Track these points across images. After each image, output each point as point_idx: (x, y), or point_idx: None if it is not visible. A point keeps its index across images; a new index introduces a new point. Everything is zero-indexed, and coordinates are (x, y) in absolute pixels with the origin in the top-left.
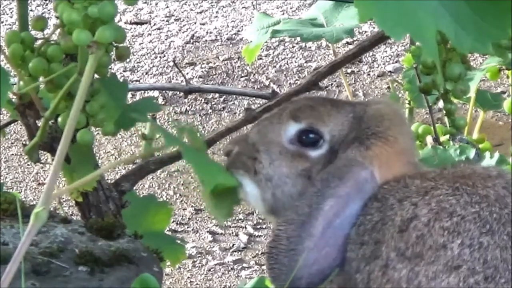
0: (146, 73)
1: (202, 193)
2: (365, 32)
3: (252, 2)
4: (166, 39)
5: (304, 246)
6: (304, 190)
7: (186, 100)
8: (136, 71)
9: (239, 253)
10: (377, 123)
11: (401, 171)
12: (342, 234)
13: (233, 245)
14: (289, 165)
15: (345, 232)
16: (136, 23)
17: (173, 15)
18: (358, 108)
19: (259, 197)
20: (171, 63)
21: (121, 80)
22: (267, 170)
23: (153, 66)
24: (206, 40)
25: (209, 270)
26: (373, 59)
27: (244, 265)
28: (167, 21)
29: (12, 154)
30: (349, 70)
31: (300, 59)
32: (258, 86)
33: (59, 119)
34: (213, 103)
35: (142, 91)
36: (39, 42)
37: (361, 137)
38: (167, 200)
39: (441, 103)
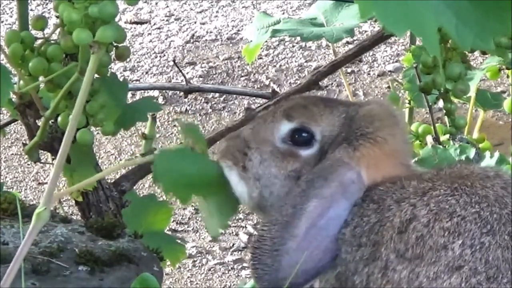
0: (146, 72)
1: (199, 203)
2: (365, 31)
3: (252, 2)
4: (166, 39)
5: (287, 247)
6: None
7: (186, 100)
8: (136, 70)
9: (239, 252)
10: (367, 124)
11: (391, 172)
12: (327, 234)
13: (233, 244)
14: (279, 166)
15: (330, 233)
16: (136, 23)
17: (173, 15)
18: (351, 109)
19: (246, 194)
20: (171, 63)
21: (121, 80)
22: (257, 169)
23: (153, 65)
24: (206, 40)
25: (209, 269)
26: (373, 58)
27: (244, 264)
28: (167, 20)
29: (12, 154)
30: (349, 70)
31: (300, 58)
32: (258, 86)
33: (59, 119)
34: (213, 102)
35: (142, 91)
36: (39, 41)
37: (350, 138)
38: (167, 199)
39: (441, 103)
